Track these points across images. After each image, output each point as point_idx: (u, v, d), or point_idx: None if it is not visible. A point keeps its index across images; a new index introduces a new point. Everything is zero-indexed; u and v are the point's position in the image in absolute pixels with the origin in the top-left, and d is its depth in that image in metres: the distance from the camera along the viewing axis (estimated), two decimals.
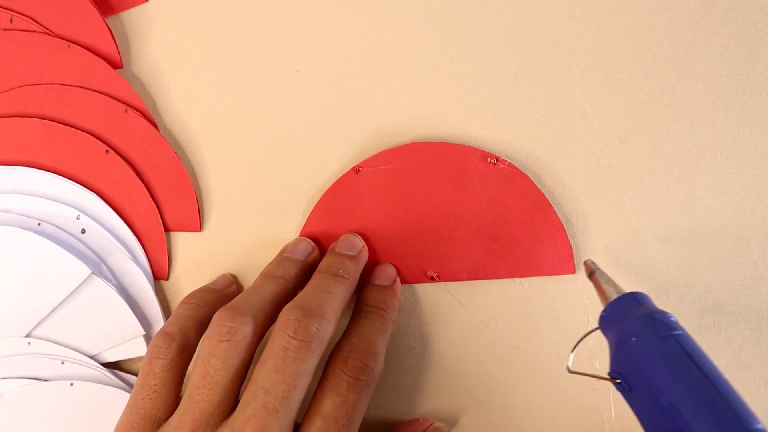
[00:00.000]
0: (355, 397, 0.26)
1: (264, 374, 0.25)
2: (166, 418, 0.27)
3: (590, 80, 0.33)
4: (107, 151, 0.33)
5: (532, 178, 0.32)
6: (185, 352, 0.29)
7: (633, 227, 0.32)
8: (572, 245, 0.32)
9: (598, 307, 0.32)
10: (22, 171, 0.33)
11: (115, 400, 0.33)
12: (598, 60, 0.33)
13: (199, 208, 0.34)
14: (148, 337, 0.34)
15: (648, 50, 0.33)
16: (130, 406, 0.28)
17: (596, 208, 0.33)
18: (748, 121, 0.33)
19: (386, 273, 0.32)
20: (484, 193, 0.32)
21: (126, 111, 0.33)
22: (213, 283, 0.33)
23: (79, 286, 0.32)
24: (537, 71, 0.33)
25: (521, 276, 0.32)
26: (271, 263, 0.31)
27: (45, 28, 0.33)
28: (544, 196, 0.32)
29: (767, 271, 0.32)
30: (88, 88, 0.33)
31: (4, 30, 0.33)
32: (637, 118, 0.33)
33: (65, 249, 0.32)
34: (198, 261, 0.34)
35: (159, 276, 0.34)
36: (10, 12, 0.33)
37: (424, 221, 0.32)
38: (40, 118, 0.33)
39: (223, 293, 0.32)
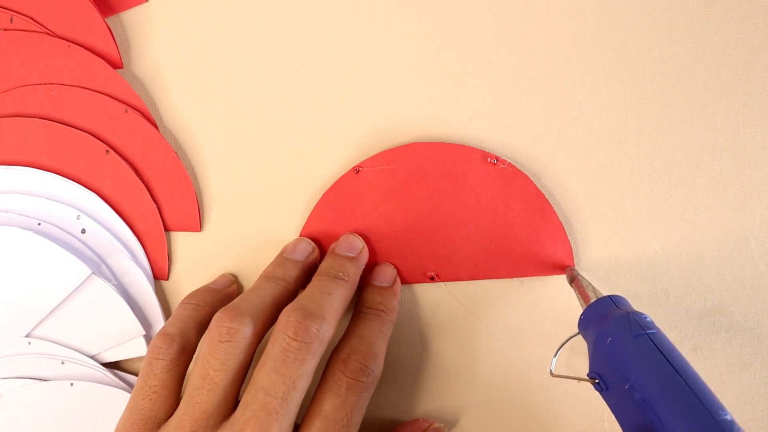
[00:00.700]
0: (354, 399, 0.26)
1: (264, 375, 0.26)
2: (166, 419, 0.27)
3: (590, 80, 0.33)
4: (107, 151, 0.33)
5: (532, 178, 0.32)
6: (185, 352, 0.29)
7: (633, 227, 0.32)
8: (572, 245, 0.32)
9: None
10: (22, 171, 0.33)
11: (115, 400, 0.33)
12: (598, 60, 0.33)
13: (199, 208, 0.34)
14: (148, 337, 0.34)
15: (648, 50, 0.33)
16: (130, 407, 0.28)
17: (596, 208, 0.33)
18: (748, 121, 0.33)
19: (386, 274, 0.32)
20: (484, 193, 0.32)
21: (126, 111, 0.33)
22: (213, 282, 0.33)
23: (79, 286, 0.32)
24: (537, 71, 0.33)
25: (521, 276, 0.32)
26: (271, 264, 0.31)
27: (45, 28, 0.33)
28: (544, 196, 0.32)
29: (767, 271, 0.32)
30: (88, 88, 0.33)
31: (4, 30, 0.33)
32: (637, 118, 0.33)
33: (65, 249, 0.32)
34: (198, 261, 0.34)
35: (159, 276, 0.34)
36: (10, 12, 0.33)
37: (424, 221, 0.32)
38: (40, 118, 0.33)
39: (223, 293, 0.32)
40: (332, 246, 0.32)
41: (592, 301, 0.28)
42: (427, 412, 0.33)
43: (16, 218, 0.33)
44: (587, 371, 0.29)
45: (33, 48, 0.33)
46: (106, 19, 0.34)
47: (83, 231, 0.33)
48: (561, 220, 0.32)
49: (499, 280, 0.32)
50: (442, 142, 0.33)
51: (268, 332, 0.28)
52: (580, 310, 0.32)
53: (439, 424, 0.32)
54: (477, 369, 0.32)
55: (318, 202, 0.33)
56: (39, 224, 0.33)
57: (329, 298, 0.28)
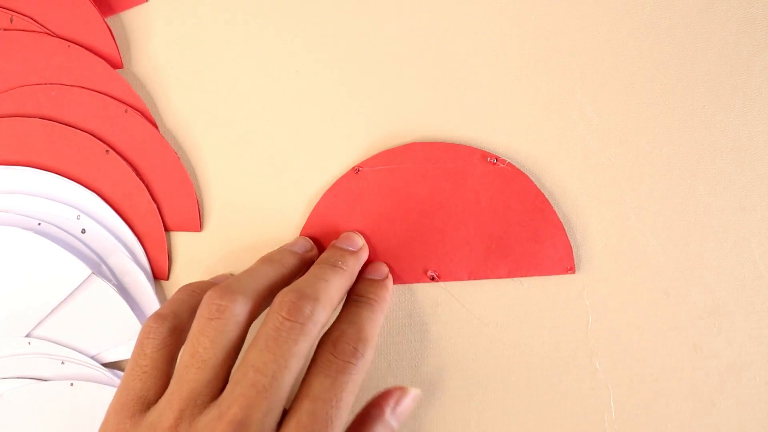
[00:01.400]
0: (344, 380, 0.26)
1: (255, 354, 0.25)
2: (156, 399, 0.27)
3: (590, 80, 0.33)
4: (107, 151, 0.33)
5: (532, 178, 0.32)
6: (176, 332, 0.28)
7: (633, 227, 0.32)
8: (572, 245, 0.32)
9: (598, 307, 0.32)
10: (22, 171, 0.33)
11: None
12: (598, 60, 0.33)
13: (199, 208, 0.34)
14: None
15: (648, 50, 0.33)
16: (120, 388, 0.27)
17: (596, 208, 0.33)
18: (748, 121, 0.33)
19: (378, 269, 0.32)
20: (484, 193, 0.32)
21: (126, 111, 0.33)
22: (214, 279, 0.33)
23: (79, 286, 0.32)
24: (537, 71, 0.33)
25: (521, 276, 0.32)
26: (269, 252, 0.31)
27: (45, 28, 0.33)
28: (544, 196, 0.32)
29: (767, 271, 0.32)
30: (88, 88, 0.33)
31: (4, 30, 0.33)
32: (637, 118, 0.33)
33: (65, 249, 0.32)
34: (198, 261, 0.34)
35: (159, 276, 0.34)
36: (10, 12, 0.33)
37: (424, 221, 0.32)
38: (40, 118, 0.33)
39: None
40: (333, 241, 0.32)
41: None
42: (426, 411, 0.33)
43: (16, 218, 0.33)
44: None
45: (33, 48, 0.33)
46: (106, 19, 0.34)
47: (83, 231, 0.33)
48: (561, 220, 0.32)
49: (499, 280, 0.32)
50: (442, 142, 0.33)
51: (263, 315, 0.28)
52: (581, 311, 0.32)
53: (411, 388, 0.31)
54: (477, 369, 0.32)
55: (318, 202, 0.33)
56: (39, 224, 0.33)
57: (326, 284, 0.28)
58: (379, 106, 0.33)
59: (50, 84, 0.33)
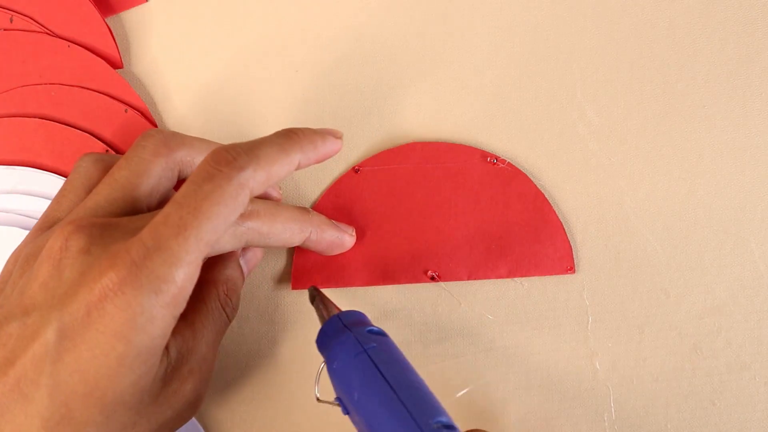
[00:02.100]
0: (208, 188, 0.23)
1: (174, 195, 0.24)
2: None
3: (590, 80, 0.33)
4: (107, 151, 0.33)
5: (531, 178, 0.32)
6: (103, 167, 0.28)
7: (633, 227, 0.32)
8: (572, 245, 0.32)
9: (598, 307, 0.32)
10: (22, 171, 0.33)
11: None
12: (598, 60, 0.33)
13: None
14: None
15: (648, 50, 0.33)
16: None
17: (596, 208, 0.33)
18: (748, 121, 0.33)
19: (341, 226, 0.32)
20: (483, 193, 0.32)
21: (126, 111, 0.33)
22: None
23: None
24: (537, 71, 0.33)
25: (521, 276, 0.32)
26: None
27: (45, 28, 0.33)
28: (544, 196, 0.32)
29: (767, 271, 0.32)
30: (88, 88, 0.33)
31: (4, 30, 0.33)
32: (637, 118, 0.33)
33: None
34: None
35: None
36: (10, 12, 0.33)
37: (424, 221, 0.32)
38: (40, 118, 0.33)
39: None
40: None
41: (322, 323, 0.28)
42: None
43: (16, 218, 0.33)
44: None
45: (33, 48, 0.33)
46: (106, 19, 0.34)
47: None
48: (561, 220, 0.32)
49: (499, 280, 0.32)
50: (441, 142, 0.33)
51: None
52: (581, 311, 0.32)
53: None
54: (477, 369, 0.32)
55: (318, 202, 0.33)
56: None
57: (267, 140, 0.26)
58: (379, 105, 0.33)
59: (50, 84, 0.33)
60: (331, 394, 0.26)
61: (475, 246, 0.32)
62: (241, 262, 0.30)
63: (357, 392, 0.24)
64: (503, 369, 0.32)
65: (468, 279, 0.32)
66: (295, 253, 0.32)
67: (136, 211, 0.26)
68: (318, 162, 0.28)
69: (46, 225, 0.27)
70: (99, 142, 0.33)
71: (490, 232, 0.32)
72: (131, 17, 0.35)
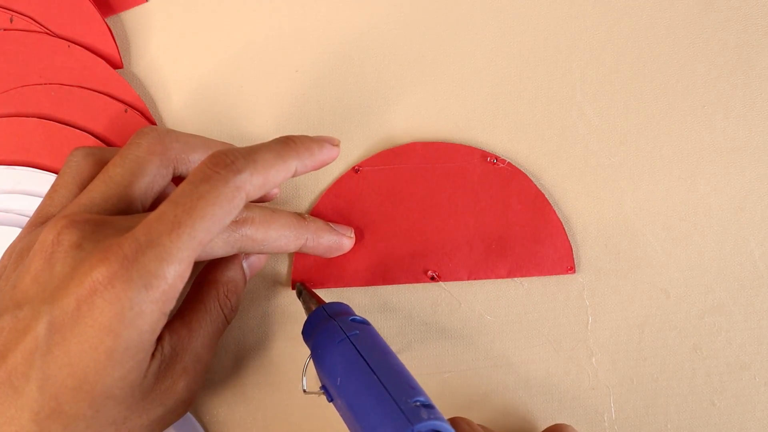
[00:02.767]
0: (204, 189, 0.23)
1: (177, 190, 0.24)
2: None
3: (590, 80, 0.33)
4: None
5: (531, 178, 0.32)
6: (95, 163, 0.28)
7: (633, 227, 0.32)
8: (572, 245, 0.32)
9: (598, 307, 0.32)
10: (22, 171, 0.33)
11: None
12: (598, 60, 0.33)
13: None
14: None
15: (648, 50, 0.33)
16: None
17: (596, 208, 0.33)
18: (748, 121, 0.33)
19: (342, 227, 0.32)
20: (483, 193, 0.32)
21: (126, 111, 0.33)
22: None
23: None
24: (537, 71, 0.33)
25: (521, 276, 0.32)
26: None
27: (45, 28, 0.33)
28: (544, 196, 0.32)
29: (767, 271, 0.32)
30: (88, 88, 0.33)
31: (4, 30, 0.33)
32: (637, 118, 0.33)
33: None
34: None
35: None
36: (10, 12, 0.33)
37: (424, 221, 0.32)
38: (39, 118, 0.33)
39: None
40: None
41: (308, 314, 0.28)
42: None
43: (16, 218, 0.33)
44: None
45: (33, 48, 0.33)
46: (106, 19, 0.34)
47: None
48: (561, 220, 0.32)
49: (499, 280, 0.32)
50: (441, 142, 0.33)
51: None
52: (581, 310, 0.32)
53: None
54: (476, 369, 0.32)
55: (318, 202, 0.33)
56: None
57: (264, 146, 0.26)
58: (379, 105, 0.33)
59: (50, 84, 0.33)
60: (316, 388, 0.27)
61: (475, 246, 0.32)
62: (244, 265, 0.30)
63: (340, 377, 0.25)
64: (503, 369, 0.32)
65: (468, 279, 0.32)
66: (295, 253, 0.32)
67: (131, 208, 0.26)
68: (315, 169, 0.29)
69: (39, 221, 0.27)
70: (99, 141, 0.33)
71: (490, 232, 0.32)
72: (131, 17, 0.35)
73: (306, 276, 0.32)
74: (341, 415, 0.25)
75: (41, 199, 0.29)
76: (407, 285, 0.33)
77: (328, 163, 0.29)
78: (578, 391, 0.32)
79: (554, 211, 0.32)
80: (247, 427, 0.32)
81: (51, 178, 0.33)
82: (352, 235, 0.32)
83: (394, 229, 0.32)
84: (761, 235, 0.32)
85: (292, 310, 0.32)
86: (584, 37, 0.33)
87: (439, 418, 0.22)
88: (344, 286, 0.32)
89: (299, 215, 0.30)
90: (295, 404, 0.32)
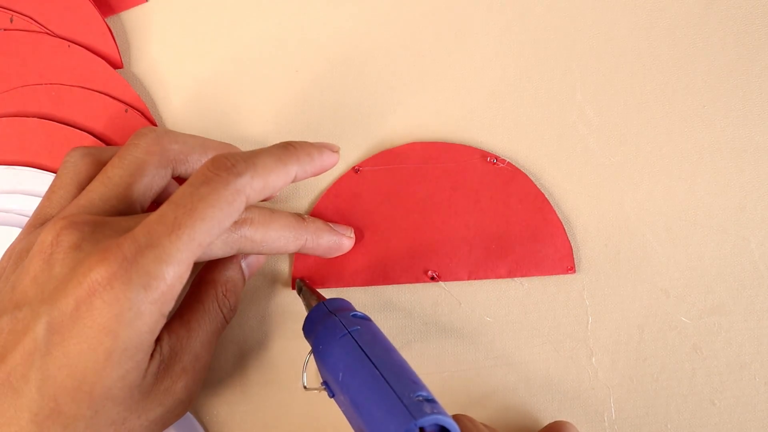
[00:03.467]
0: (205, 191, 0.23)
1: (172, 196, 0.24)
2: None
3: (590, 80, 0.33)
4: None
5: (531, 178, 0.32)
6: (93, 163, 0.28)
7: (633, 227, 0.32)
8: (572, 245, 0.32)
9: (598, 307, 0.32)
10: (22, 171, 0.33)
11: None
12: (598, 60, 0.33)
13: None
14: None
15: (648, 50, 0.33)
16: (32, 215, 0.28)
17: (596, 208, 0.33)
18: (748, 121, 0.33)
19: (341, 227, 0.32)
20: (483, 193, 0.32)
21: (126, 111, 0.33)
22: None
23: None
24: (537, 71, 0.33)
25: (521, 276, 0.32)
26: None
27: (45, 28, 0.33)
28: (544, 196, 0.32)
29: (767, 271, 0.32)
30: (88, 88, 0.33)
31: (4, 30, 0.33)
32: (637, 118, 0.33)
33: None
34: None
35: None
36: (10, 12, 0.33)
37: (424, 221, 0.32)
38: (40, 118, 0.33)
39: None
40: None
41: (309, 311, 0.28)
42: None
43: (16, 218, 0.33)
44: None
45: (33, 48, 0.33)
46: (106, 19, 0.34)
47: None
48: (561, 220, 0.32)
49: (499, 280, 0.32)
50: (441, 142, 0.33)
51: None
52: (581, 310, 0.32)
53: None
54: (476, 369, 0.32)
55: (318, 202, 0.33)
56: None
57: (265, 151, 0.26)
58: (379, 105, 0.33)
59: (50, 84, 0.33)
60: (317, 385, 0.27)
61: (475, 246, 0.32)
62: (243, 264, 0.30)
63: (342, 372, 0.25)
64: (503, 369, 0.32)
65: (468, 279, 0.32)
66: (296, 253, 0.32)
67: (130, 209, 0.26)
68: (314, 175, 0.29)
69: (38, 222, 0.27)
70: (99, 142, 0.33)
71: (490, 232, 0.32)
72: (131, 17, 0.35)
73: (306, 275, 0.32)
74: (343, 411, 0.25)
75: (40, 198, 0.29)
76: (407, 285, 0.33)
77: (327, 169, 0.29)
78: (578, 391, 0.32)
79: (554, 211, 0.32)
80: (247, 427, 0.32)
81: (51, 178, 0.33)
82: (352, 235, 0.32)
83: (394, 229, 0.32)
84: (761, 235, 0.32)
85: (292, 310, 0.32)
86: (584, 37, 0.33)
87: (441, 412, 0.22)
88: (344, 286, 0.32)
89: (299, 216, 0.30)
90: (295, 403, 0.32)
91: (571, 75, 0.33)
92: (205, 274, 0.29)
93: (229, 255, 0.28)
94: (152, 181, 0.27)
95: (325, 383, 0.26)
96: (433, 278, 0.32)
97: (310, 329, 0.28)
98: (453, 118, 0.33)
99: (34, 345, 0.23)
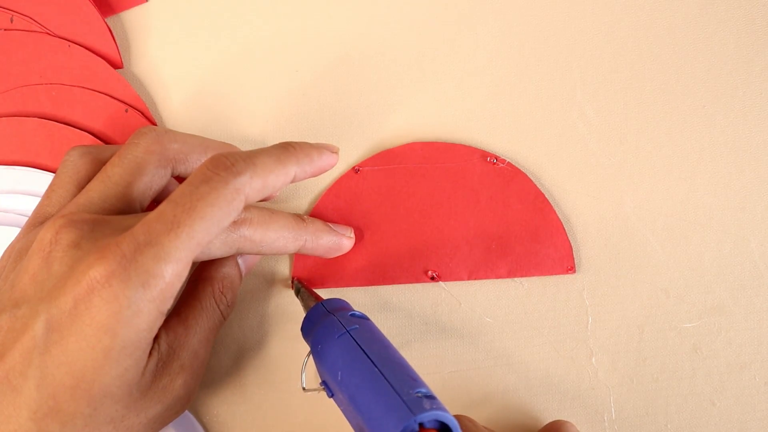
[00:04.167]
0: (204, 190, 0.23)
1: (173, 194, 0.24)
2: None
3: (590, 80, 0.33)
4: None
5: (531, 178, 0.32)
6: (92, 162, 0.28)
7: (633, 227, 0.32)
8: (572, 245, 0.32)
9: (598, 307, 0.32)
10: (22, 171, 0.33)
11: None
12: (598, 60, 0.33)
13: None
14: None
15: (648, 50, 0.33)
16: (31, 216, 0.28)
17: (596, 208, 0.33)
18: (748, 121, 0.33)
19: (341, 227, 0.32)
20: (483, 193, 0.32)
21: (126, 111, 0.33)
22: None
23: None
24: (537, 71, 0.33)
25: (521, 276, 0.32)
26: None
27: (45, 28, 0.33)
28: (544, 196, 0.32)
29: (767, 271, 0.32)
30: (88, 88, 0.33)
31: (4, 30, 0.33)
32: (637, 118, 0.33)
33: None
34: None
35: None
36: (10, 12, 0.33)
37: (424, 221, 0.32)
38: (40, 117, 0.33)
39: None
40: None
41: (307, 311, 0.28)
42: None
43: (16, 218, 0.33)
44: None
45: (33, 48, 0.33)
46: (106, 19, 0.34)
47: None
48: (561, 220, 0.32)
49: (499, 280, 0.32)
50: (441, 142, 0.33)
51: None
52: (581, 310, 0.32)
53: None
54: (476, 369, 0.32)
55: (318, 202, 0.33)
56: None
57: (264, 151, 0.26)
58: (379, 105, 0.33)
59: (50, 84, 0.33)
60: (316, 385, 0.27)
61: (475, 246, 0.32)
62: (239, 260, 0.30)
63: (341, 372, 0.25)
64: (503, 369, 0.32)
65: (468, 279, 0.32)
66: (295, 254, 0.32)
67: (129, 208, 0.27)
68: (314, 175, 0.29)
69: (38, 221, 0.27)
70: (99, 141, 0.33)
71: (490, 232, 0.32)
72: (131, 17, 0.35)
73: (306, 276, 0.32)
74: (342, 410, 0.25)
75: (40, 198, 0.29)
76: (407, 285, 0.33)
77: (326, 170, 0.30)
78: (578, 391, 0.32)
79: (554, 211, 0.32)
80: (247, 427, 0.32)
81: (51, 178, 0.33)
82: (352, 235, 0.32)
83: (394, 229, 0.32)
84: (761, 235, 0.32)
85: (291, 310, 0.32)
86: (584, 37, 0.33)
87: (441, 408, 0.22)
88: (344, 286, 0.32)
89: (298, 216, 0.30)
90: (294, 403, 0.32)
91: (571, 75, 0.33)
92: (201, 271, 0.29)
93: (229, 254, 0.28)
94: (152, 180, 0.27)
95: (324, 383, 0.26)
96: (433, 278, 0.32)
97: (308, 330, 0.28)
98: (453, 118, 0.33)
99: (33, 343, 0.23)
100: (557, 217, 0.32)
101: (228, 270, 0.29)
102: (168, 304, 0.24)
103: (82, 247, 0.23)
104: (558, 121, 0.33)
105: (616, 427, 0.32)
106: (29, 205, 0.33)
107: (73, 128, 0.33)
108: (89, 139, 0.33)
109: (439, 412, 0.22)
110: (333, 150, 0.30)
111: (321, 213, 0.33)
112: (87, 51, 0.33)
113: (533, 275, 0.32)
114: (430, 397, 0.23)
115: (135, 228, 0.23)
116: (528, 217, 0.32)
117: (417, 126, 0.33)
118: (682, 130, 0.33)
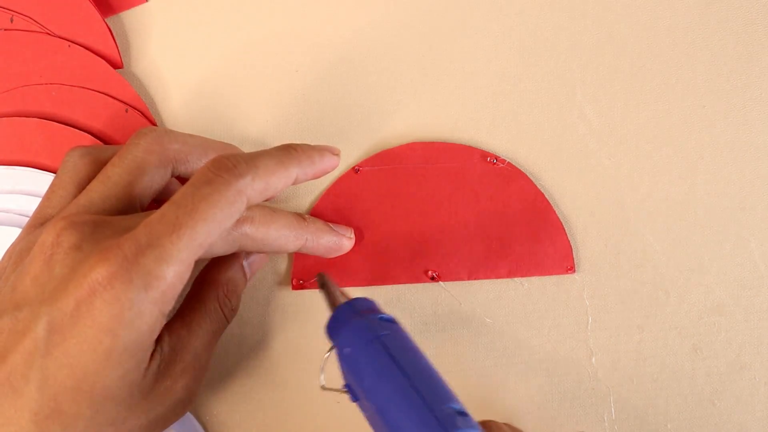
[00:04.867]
0: (206, 191, 0.23)
1: (173, 196, 0.24)
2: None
3: (590, 80, 0.33)
4: None
5: (531, 178, 0.32)
6: (92, 163, 0.28)
7: (633, 227, 0.32)
8: (572, 245, 0.32)
9: (598, 307, 0.32)
10: (22, 171, 0.33)
11: None
12: (598, 60, 0.33)
13: None
14: None
15: (648, 50, 0.33)
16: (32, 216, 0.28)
17: (596, 208, 0.33)
18: (748, 121, 0.33)
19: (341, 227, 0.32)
20: (483, 193, 0.32)
21: (126, 111, 0.33)
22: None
23: None
24: (537, 71, 0.33)
25: (521, 276, 0.32)
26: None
27: (45, 28, 0.33)
28: (544, 196, 0.32)
29: (767, 271, 0.32)
30: (88, 88, 0.33)
31: (4, 30, 0.33)
32: (637, 118, 0.33)
33: None
34: None
35: None
36: (10, 12, 0.33)
37: (424, 221, 0.32)
38: (40, 118, 0.33)
39: None
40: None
41: (333, 310, 0.28)
42: None
43: (16, 218, 0.33)
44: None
45: (33, 48, 0.33)
46: (106, 19, 0.34)
47: None
48: (561, 220, 0.32)
49: (499, 280, 0.32)
50: (441, 142, 0.33)
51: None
52: (581, 311, 0.32)
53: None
54: (477, 369, 0.32)
55: (318, 202, 0.33)
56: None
57: (266, 153, 0.26)
58: (379, 105, 0.33)
59: (50, 84, 0.33)
60: (333, 383, 0.26)
61: (475, 246, 0.32)
62: (245, 264, 0.30)
63: (368, 379, 0.24)
64: (503, 369, 0.32)
65: (468, 279, 0.32)
66: (295, 253, 0.32)
67: (130, 208, 0.27)
68: (315, 177, 0.29)
69: (38, 222, 0.27)
70: (99, 142, 0.33)
71: (490, 231, 0.32)
72: (131, 17, 0.35)
73: (306, 276, 0.32)
74: (366, 417, 0.25)
75: (40, 198, 0.29)
76: (407, 285, 0.33)
77: (328, 172, 0.30)
78: (578, 391, 0.32)
79: (554, 211, 0.32)
80: (247, 427, 0.32)
81: (51, 178, 0.33)
82: (352, 235, 0.32)
83: (394, 229, 0.32)
84: (761, 235, 0.32)
85: (292, 310, 0.32)
86: (584, 37, 0.33)
87: (473, 426, 0.22)
88: (344, 286, 0.32)
89: (299, 215, 0.30)
90: (295, 404, 0.32)
91: (571, 75, 0.33)
92: (206, 274, 0.29)
93: (230, 252, 0.28)
94: (152, 180, 0.27)
95: (347, 386, 0.25)
96: (433, 278, 0.32)
97: (335, 330, 0.27)
98: (453, 118, 0.33)
99: (35, 345, 0.23)
100: (557, 217, 0.32)
101: (233, 274, 0.29)
102: (170, 305, 0.24)
103: (83, 249, 0.23)
104: (558, 121, 0.33)
105: (616, 427, 0.32)
106: (29, 206, 0.33)
107: (73, 128, 0.33)
108: (89, 140, 0.33)
109: (471, 431, 0.22)
110: (334, 152, 0.30)
111: (321, 213, 0.33)
112: (87, 51, 0.33)
113: (533, 275, 0.32)
114: (462, 413, 0.22)
115: (137, 229, 0.23)
116: (528, 217, 0.32)
117: (417, 126, 0.33)
118: (682, 130, 0.33)
